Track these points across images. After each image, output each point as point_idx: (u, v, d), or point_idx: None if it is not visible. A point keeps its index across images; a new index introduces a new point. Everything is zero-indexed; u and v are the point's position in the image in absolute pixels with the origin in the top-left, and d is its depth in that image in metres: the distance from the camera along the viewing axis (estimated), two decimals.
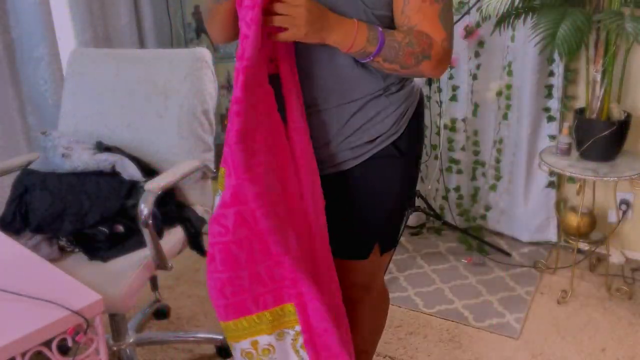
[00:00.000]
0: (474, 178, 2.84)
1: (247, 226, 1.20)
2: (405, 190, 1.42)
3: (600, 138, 2.22)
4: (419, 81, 1.49)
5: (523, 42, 2.48)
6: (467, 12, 2.50)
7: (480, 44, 2.61)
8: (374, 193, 1.37)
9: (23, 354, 1.13)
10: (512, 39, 2.53)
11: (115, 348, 1.86)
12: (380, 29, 1.17)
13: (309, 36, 1.13)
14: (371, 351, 1.69)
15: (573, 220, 2.40)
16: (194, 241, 1.80)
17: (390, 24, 1.24)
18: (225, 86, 3.28)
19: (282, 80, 1.24)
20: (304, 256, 1.26)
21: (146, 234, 1.56)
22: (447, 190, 2.87)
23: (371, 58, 1.18)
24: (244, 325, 1.27)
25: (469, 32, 2.57)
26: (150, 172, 1.84)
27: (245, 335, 1.29)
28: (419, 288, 2.46)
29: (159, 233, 1.70)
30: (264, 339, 1.29)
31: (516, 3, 2.13)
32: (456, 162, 2.83)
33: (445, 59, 1.21)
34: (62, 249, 1.68)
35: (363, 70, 1.27)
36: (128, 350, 1.88)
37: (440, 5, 1.19)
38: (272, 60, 1.24)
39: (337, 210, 1.37)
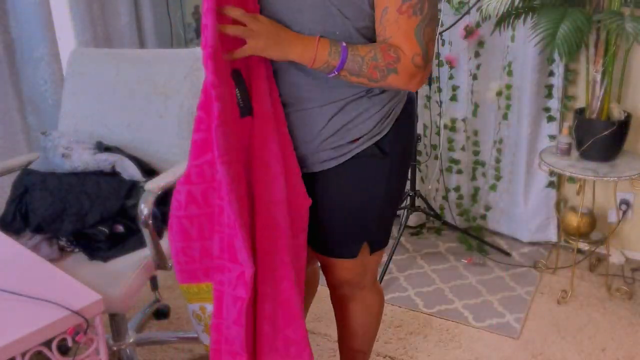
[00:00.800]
0: (474, 178, 2.84)
1: (196, 204, 1.30)
2: (392, 190, 1.41)
3: (600, 138, 2.22)
4: None
5: (523, 42, 2.48)
6: (467, 12, 2.51)
7: (480, 44, 2.62)
8: (357, 192, 1.37)
9: (23, 354, 1.13)
10: (512, 39, 2.53)
11: (115, 348, 1.86)
12: (343, 43, 1.17)
13: (269, 50, 1.17)
14: (367, 350, 1.69)
15: (573, 220, 2.40)
16: None
17: (373, 36, 1.23)
18: None
19: (252, 73, 1.26)
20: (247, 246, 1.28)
21: (146, 233, 1.56)
22: (447, 190, 2.87)
23: (336, 72, 1.19)
24: (195, 290, 1.41)
25: (469, 32, 2.57)
26: (150, 172, 1.84)
27: (195, 299, 1.42)
28: (419, 288, 2.46)
29: (159, 233, 1.70)
30: (209, 307, 1.40)
31: (516, 3, 2.13)
32: (456, 162, 2.83)
33: (417, 74, 1.19)
34: (62, 249, 1.68)
35: None
36: (128, 350, 1.88)
37: (418, 18, 1.16)
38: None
39: (324, 209, 1.38)
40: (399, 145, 1.38)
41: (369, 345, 1.69)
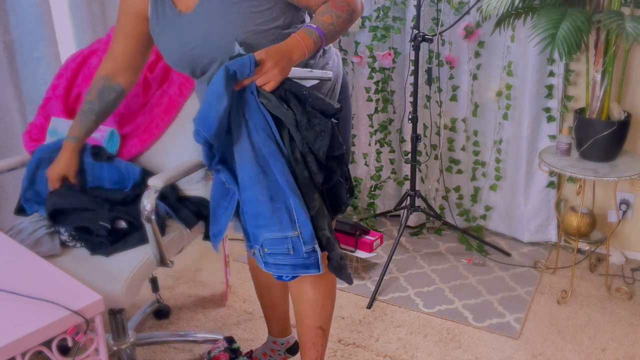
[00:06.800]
0: (474, 178, 2.84)
1: None
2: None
3: (600, 138, 2.22)
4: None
5: (523, 42, 2.48)
6: (467, 12, 2.51)
7: (480, 44, 2.62)
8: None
9: (23, 354, 1.13)
10: (512, 39, 2.53)
11: (115, 348, 1.86)
12: (314, 26, 1.40)
13: (285, 71, 1.38)
14: (327, 327, 1.73)
15: (573, 220, 2.40)
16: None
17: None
18: None
19: None
20: None
21: (148, 229, 1.55)
22: (447, 190, 2.87)
23: (324, 48, 1.49)
24: None
25: (469, 32, 2.57)
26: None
27: None
28: (419, 288, 2.46)
29: (161, 229, 1.69)
30: None
31: (516, 3, 2.14)
32: (456, 162, 2.83)
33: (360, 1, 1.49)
34: (63, 244, 1.67)
35: None
36: (128, 350, 1.88)
37: None
38: None
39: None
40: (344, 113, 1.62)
41: (328, 322, 1.73)
